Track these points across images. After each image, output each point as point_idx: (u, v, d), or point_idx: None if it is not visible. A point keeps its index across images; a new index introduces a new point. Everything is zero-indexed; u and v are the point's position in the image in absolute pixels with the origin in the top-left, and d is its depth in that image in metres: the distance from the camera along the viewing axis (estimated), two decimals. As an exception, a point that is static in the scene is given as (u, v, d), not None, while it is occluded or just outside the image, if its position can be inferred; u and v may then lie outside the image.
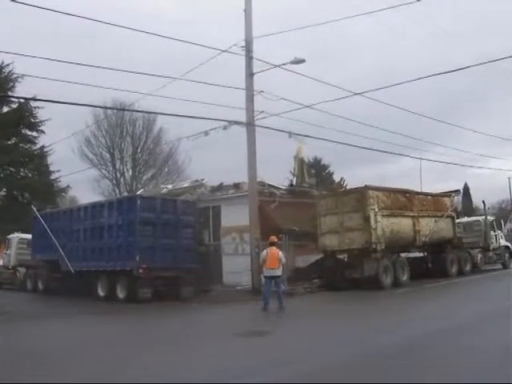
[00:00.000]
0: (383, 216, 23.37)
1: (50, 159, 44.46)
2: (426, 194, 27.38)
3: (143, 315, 18.43)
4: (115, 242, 22.14)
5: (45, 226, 26.10)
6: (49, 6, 16.30)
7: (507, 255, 32.18)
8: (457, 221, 29.10)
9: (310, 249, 26.14)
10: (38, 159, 43.50)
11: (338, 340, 11.56)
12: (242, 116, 23.58)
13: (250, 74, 23.53)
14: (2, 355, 10.76)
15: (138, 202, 21.98)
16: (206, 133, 23.58)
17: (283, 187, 30.26)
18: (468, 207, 54.64)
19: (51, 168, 45.17)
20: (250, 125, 23.36)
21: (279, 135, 23.75)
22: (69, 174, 42.68)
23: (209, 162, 47.63)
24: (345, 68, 69.57)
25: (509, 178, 54.62)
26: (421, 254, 27.55)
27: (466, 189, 60.05)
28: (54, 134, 42.27)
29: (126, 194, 49.94)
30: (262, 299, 17.59)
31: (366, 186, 23.68)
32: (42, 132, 43.12)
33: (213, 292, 23.89)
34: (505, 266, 31.74)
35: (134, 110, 41.51)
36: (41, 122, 42.47)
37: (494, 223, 32.11)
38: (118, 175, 56.30)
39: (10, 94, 40.78)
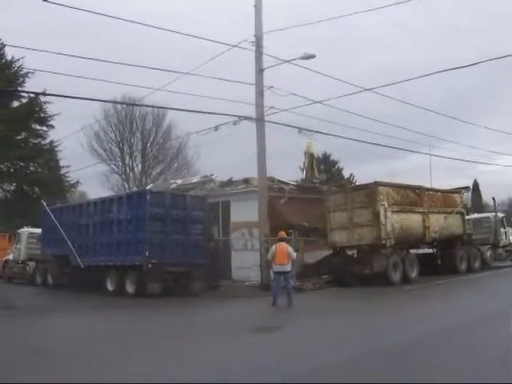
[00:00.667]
0: (393, 212, 23.30)
1: (59, 154, 44.64)
2: (436, 191, 27.25)
3: (152, 310, 18.46)
4: (125, 237, 22.18)
5: (54, 220, 26.18)
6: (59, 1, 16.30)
7: (517, 252, 32.02)
8: (466, 217, 28.97)
9: (319, 245, 26.11)
10: (48, 154, 43.57)
11: (344, 337, 11.53)
12: (251, 111, 23.59)
13: (259, 70, 23.50)
14: (10, 351, 10.79)
15: (148, 197, 21.98)
16: (216, 128, 23.59)
17: (292, 183, 30.24)
18: (478, 204, 54.38)
19: (61, 163, 45.39)
20: (259, 120, 23.33)
21: (289, 131, 23.75)
22: (78, 169, 42.88)
23: (218, 157, 47.65)
24: (354, 63, 69.31)
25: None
26: (430, 251, 27.40)
27: (476, 185, 59.72)
28: (63, 129, 42.37)
29: (135, 189, 50.06)
30: (272, 295, 17.59)
31: (375, 181, 23.60)
32: (52, 127, 43.24)
33: (222, 287, 23.92)
34: (514, 263, 31.62)
35: (143, 105, 41.58)
36: (50, 116, 42.56)
37: (504, 220, 31.96)
38: (128, 170, 56.44)
39: (20, 88, 40.90)
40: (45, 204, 28.30)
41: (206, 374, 8.35)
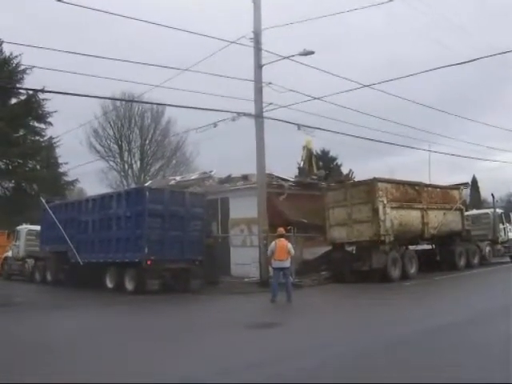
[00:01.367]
0: (392, 208, 23.31)
1: (58, 151, 44.65)
2: (435, 187, 27.25)
3: (151, 307, 18.46)
4: (124, 233, 22.15)
5: (53, 217, 26.16)
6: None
7: (516, 248, 32.04)
8: (465, 213, 28.98)
9: (319, 241, 26.13)
10: (46, 151, 43.56)
11: (343, 333, 11.54)
12: (250, 108, 23.56)
13: (258, 66, 23.47)
14: (9, 348, 10.78)
15: (147, 193, 21.96)
16: (215, 124, 23.55)
17: (292, 179, 30.24)
18: (476, 200, 54.39)
19: (59, 160, 45.38)
20: (258, 116, 23.31)
21: (288, 127, 23.74)
22: (77, 165, 42.91)
23: (217, 153, 47.66)
24: (353, 60, 69.31)
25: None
26: (429, 247, 27.47)
27: (475, 181, 59.67)
28: (62, 126, 42.43)
29: (133, 185, 50.03)
30: (271, 291, 17.60)
31: (374, 178, 23.60)
32: (50, 124, 43.26)
33: (221, 284, 23.90)
34: (513, 259, 31.66)
35: (142, 102, 41.62)
36: (49, 113, 42.55)
37: (503, 216, 31.97)
38: (126, 167, 56.46)
39: (18, 85, 40.84)
40: (43, 201, 28.26)
41: (205, 370, 8.35)
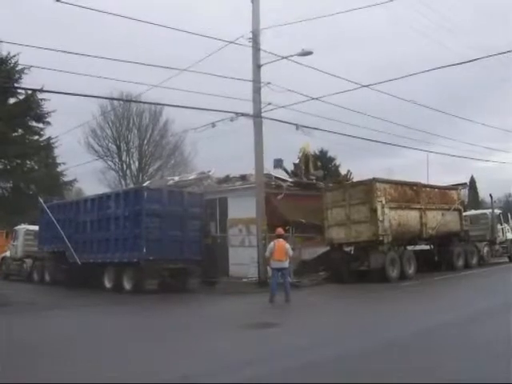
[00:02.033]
0: (390, 208, 23.32)
1: (56, 151, 44.59)
2: (433, 187, 27.25)
3: (149, 306, 18.47)
4: (122, 233, 22.17)
5: (52, 217, 26.15)
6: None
7: (514, 248, 32.06)
8: (464, 214, 28.99)
9: (317, 241, 26.12)
10: (45, 151, 43.51)
11: (341, 333, 11.56)
12: (248, 108, 23.55)
13: (257, 66, 23.46)
14: (8, 349, 10.76)
15: (145, 193, 21.98)
16: (213, 124, 23.52)
17: (290, 179, 30.25)
18: (474, 200, 54.43)
19: (57, 160, 45.33)
20: (256, 117, 23.29)
21: (286, 127, 23.72)
22: (75, 165, 42.83)
23: (215, 153, 47.63)
24: (352, 60, 69.31)
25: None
26: (427, 247, 27.46)
27: (473, 182, 59.75)
28: (60, 126, 42.30)
29: (132, 185, 49.99)
30: (269, 291, 17.61)
31: (373, 178, 23.61)
32: (49, 124, 43.11)
33: (219, 284, 23.91)
34: (511, 260, 31.67)
35: (140, 102, 41.43)
36: (47, 113, 42.44)
37: (501, 216, 31.98)
38: (125, 167, 56.41)
39: (16, 85, 40.75)
40: (42, 201, 28.24)
41: (204, 369, 8.36)
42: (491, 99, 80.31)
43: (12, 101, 42.20)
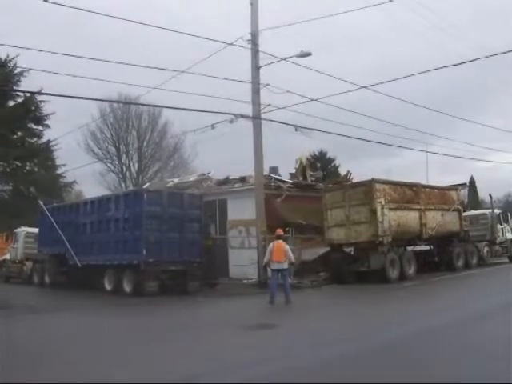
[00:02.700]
0: (390, 209, 23.32)
1: (55, 153, 44.61)
2: (433, 188, 27.29)
3: (149, 309, 18.43)
4: (122, 235, 22.15)
5: (52, 220, 26.14)
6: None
7: (514, 248, 32.06)
8: (463, 214, 29.00)
9: (317, 242, 26.14)
10: (44, 153, 43.52)
11: (341, 334, 11.50)
12: (248, 109, 23.57)
13: (256, 67, 23.48)
14: (8, 351, 10.75)
15: (145, 195, 21.95)
16: (212, 126, 23.52)
17: (290, 181, 30.26)
18: (474, 200, 54.38)
19: (57, 162, 45.35)
20: (256, 118, 23.31)
21: (285, 128, 23.73)
22: (74, 168, 42.81)
23: (215, 155, 47.64)
24: (351, 61, 69.38)
25: (513, 172, 54.33)
26: (427, 248, 27.46)
27: (472, 182, 59.68)
28: (59, 128, 42.31)
29: (131, 187, 50.04)
30: (269, 292, 17.61)
31: (372, 179, 23.62)
32: (48, 126, 43.18)
33: (219, 285, 23.91)
34: (511, 260, 31.68)
35: (139, 104, 41.50)
36: (46, 116, 42.49)
37: (501, 216, 31.99)
38: (124, 169, 56.48)
39: (15, 87, 40.80)
40: (42, 203, 28.24)
41: (204, 370, 8.37)
42: (491, 99, 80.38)
43: (11, 103, 42.26)
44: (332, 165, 54.60)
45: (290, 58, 23.09)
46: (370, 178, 23.90)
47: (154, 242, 21.35)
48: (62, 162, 45.06)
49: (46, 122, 42.87)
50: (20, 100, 42.03)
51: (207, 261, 23.26)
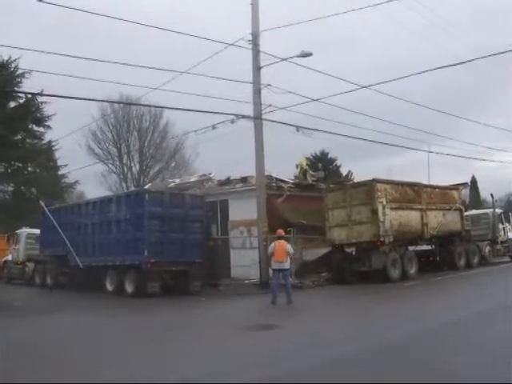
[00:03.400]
0: (391, 209, 23.32)
1: (57, 154, 44.67)
2: (434, 187, 27.27)
3: (151, 309, 18.45)
4: (123, 236, 22.15)
5: (53, 221, 26.14)
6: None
7: (515, 248, 32.04)
8: (465, 214, 28.98)
9: (318, 242, 26.12)
10: (45, 154, 43.54)
11: (343, 334, 11.51)
12: (249, 110, 23.56)
13: (257, 68, 23.47)
14: (9, 351, 10.76)
15: (146, 196, 21.95)
16: (214, 127, 23.53)
17: (291, 181, 30.26)
18: (476, 200, 54.33)
19: (58, 163, 45.39)
20: (257, 118, 23.30)
21: (287, 129, 23.73)
22: (76, 168, 42.85)
23: (216, 156, 47.63)
24: (352, 61, 69.31)
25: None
26: (429, 247, 27.44)
27: (474, 181, 59.63)
28: (60, 129, 42.35)
29: (133, 188, 50.01)
30: (271, 292, 17.61)
31: (374, 179, 23.63)
32: (49, 127, 43.20)
33: (221, 286, 23.91)
34: (513, 259, 31.67)
35: (140, 105, 41.59)
36: (47, 117, 42.50)
37: (503, 216, 31.97)
38: (125, 170, 56.43)
39: (16, 89, 40.82)
40: (43, 204, 28.25)
41: (205, 371, 8.36)
42: (492, 98, 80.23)
43: (12, 104, 42.28)
44: (333, 165, 54.54)
45: (291, 58, 23.09)
46: (371, 177, 23.90)
47: (155, 243, 21.36)
48: (63, 163, 45.21)
49: (47, 123, 42.92)
50: (21, 101, 42.07)
51: (209, 261, 23.27)
